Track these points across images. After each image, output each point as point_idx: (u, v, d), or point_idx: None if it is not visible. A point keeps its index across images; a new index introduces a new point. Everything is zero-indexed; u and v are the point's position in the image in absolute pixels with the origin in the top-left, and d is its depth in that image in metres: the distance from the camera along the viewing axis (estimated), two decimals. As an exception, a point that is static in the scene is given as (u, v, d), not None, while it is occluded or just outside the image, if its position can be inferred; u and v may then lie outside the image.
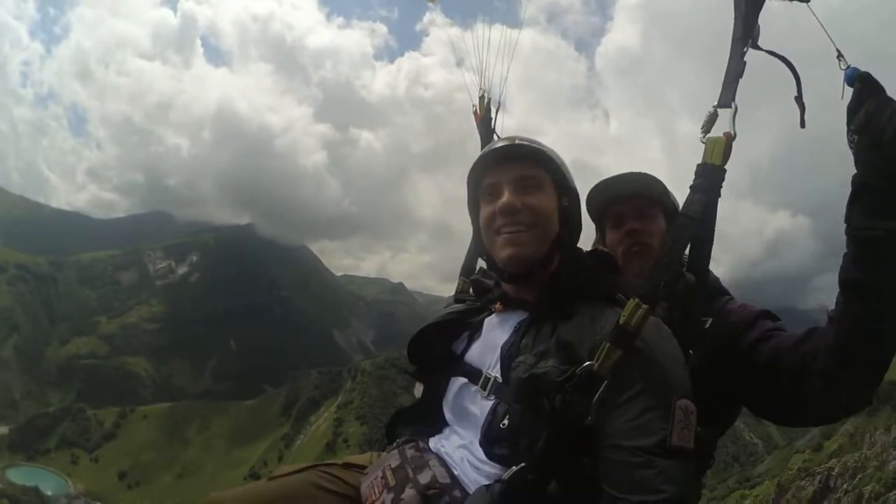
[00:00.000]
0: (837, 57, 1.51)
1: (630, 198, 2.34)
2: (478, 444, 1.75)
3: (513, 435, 1.65)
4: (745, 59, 1.57)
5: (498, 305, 2.03)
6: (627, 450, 1.46)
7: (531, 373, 1.66)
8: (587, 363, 1.55)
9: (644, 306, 1.55)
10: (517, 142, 1.92)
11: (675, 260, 1.62)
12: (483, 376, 1.84)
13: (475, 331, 2.05)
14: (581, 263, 1.92)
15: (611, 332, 1.57)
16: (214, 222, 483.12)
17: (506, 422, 1.68)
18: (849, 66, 1.49)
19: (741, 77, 1.55)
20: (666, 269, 1.60)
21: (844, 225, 1.51)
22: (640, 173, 2.35)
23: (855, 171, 1.48)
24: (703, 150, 1.56)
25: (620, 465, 1.46)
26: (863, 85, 1.47)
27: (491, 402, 1.77)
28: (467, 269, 2.64)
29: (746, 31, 1.56)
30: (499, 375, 1.79)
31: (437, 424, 2.04)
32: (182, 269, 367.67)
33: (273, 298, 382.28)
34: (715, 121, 1.55)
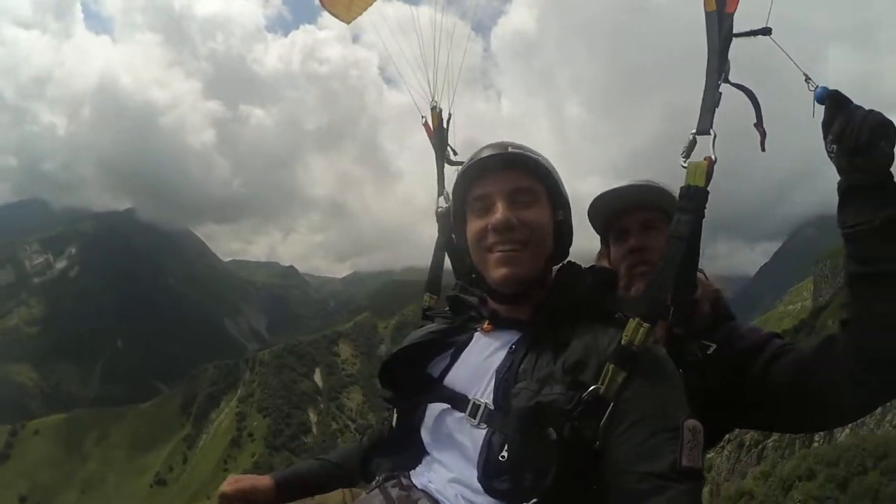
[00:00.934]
0: (805, 80, 1.63)
1: (633, 210, 2.25)
2: (473, 478, 1.60)
3: (514, 467, 1.52)
4: (720, 90, 1.65)
5: (486, 325, 1.86)
6: (637, 476, 1.41)
7: (537, 401, 1.53)
8: (593, 387, 1.51)
9: (645, 325, 1.54)
10: (510, 149, 1.79)
11: (668, 279, 1.60)
12: (471, 403, 1.68)
13: (457, 352, 1.87)
14: (579, 280, 1.81)
15: (614, 353, 1.54)
16: (93, 208, 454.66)
17: (505, 453, 1.54)
18: (817, 87, 1.62)
19: (717, 107, 1.64)
20: (660, 289, 1.59)
21: (840, 229, 1.62)
22: (645, 183, 2.25)
23: (839, 179, 1.62)
24: (685, 173, 1.63)
25: (631, 494, 1.41)
26: (833, 101, 1.59)
27: (483, 432, 1.63)
28: (433, 284, 2.38)
29: (721, 66, 1.65)
30: (490, 402, 1.65)
31: (415, 454, 1.86)
32: (61, 264, 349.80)
33: (159, 289, 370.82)
34: (694, 147, 1.63)
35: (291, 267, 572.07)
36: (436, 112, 2.67)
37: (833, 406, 1.76)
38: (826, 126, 1.61)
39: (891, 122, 1.55)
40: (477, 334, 1.88)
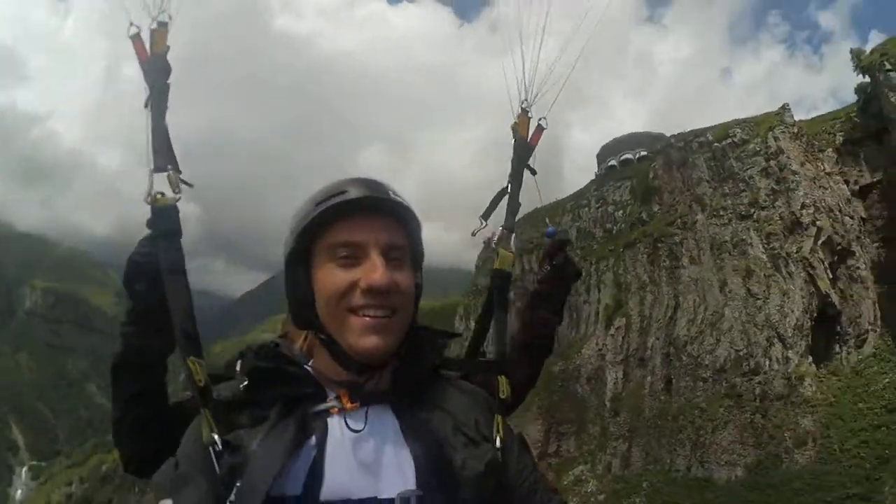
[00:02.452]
0: (547, 224, 2.31)
1: None
2: None
3: None
4: (519, 199, 2.05)
5: (347, 402, 1.45)
6: (524, 485, 1.56)
7: (485, 461, 1.44)
8: (498, 436, 1.54)
9: (508, 379, 1.69)
10: (391, 195, 1.46)
11: (505, 343, 1.90)
12: (396, 500, 1.34)
13: (319, 449, 1.37)
14: (433, 346, 1.64)
15: (500, 407, 1.63)
16: None
17: None
18: (550, 227, 2.33)
19: (517, 212, 2.02)
20: (506, 351, 1.89)
21: (533, 314, 2.39)
22: None
23: (539, 286, 2.37)
24: (496, 257, 1.96)
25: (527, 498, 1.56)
26: (561, 240, 2.29)
27: None
28: (193, 342, 1.52)
29: (520, 179, 2.03)
30: (415, 487, 1.37)
31: None
32: None
33: None
34: (511, 238, 1.99)
35: None
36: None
37: (517, 373, 2.12)
38: (550, 254, 2.28)
39: (581, 270, 2.43)
40: (334, 419, 1.44)
